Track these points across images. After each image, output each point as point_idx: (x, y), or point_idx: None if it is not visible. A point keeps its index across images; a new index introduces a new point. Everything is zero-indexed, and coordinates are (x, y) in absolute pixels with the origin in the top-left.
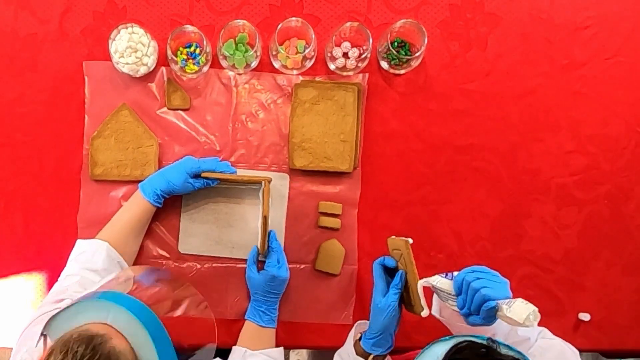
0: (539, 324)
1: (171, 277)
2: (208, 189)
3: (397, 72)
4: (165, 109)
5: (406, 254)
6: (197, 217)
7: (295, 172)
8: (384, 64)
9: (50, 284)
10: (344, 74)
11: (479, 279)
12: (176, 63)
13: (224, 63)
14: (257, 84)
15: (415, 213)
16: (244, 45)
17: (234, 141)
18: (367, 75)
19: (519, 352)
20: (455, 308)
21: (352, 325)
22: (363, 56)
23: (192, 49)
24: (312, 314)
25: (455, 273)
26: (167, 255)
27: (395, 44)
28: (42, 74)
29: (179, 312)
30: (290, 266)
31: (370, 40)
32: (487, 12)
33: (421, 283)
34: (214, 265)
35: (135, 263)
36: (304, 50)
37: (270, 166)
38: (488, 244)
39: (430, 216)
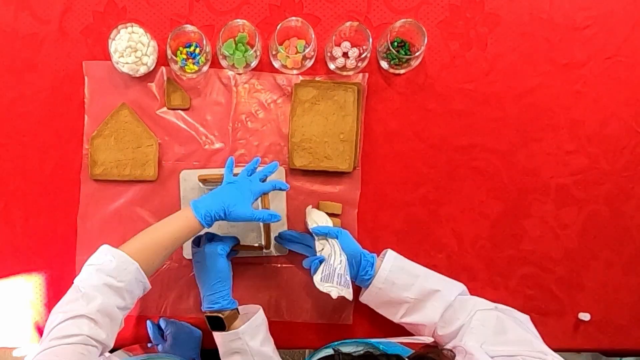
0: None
1: None
2: None
3: (397, 72)
4: (165, 108)
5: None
6: None
7: (295, 172)
8: (384, 64)
9: (50, 284)
10: (344, 73)
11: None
12: (176, 63)
13: (223, 63)
14: (257, 84)
15: (415, 213)
16: (244, 45)
17: (234, 141)
18: (367, 75)
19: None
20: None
21: (352, 325)
22: (363, 56)
23: (192, 48)
24: (312, 314)
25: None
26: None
27: (395, 43)
28: (42, 74)
29: None
30: (291, 266)
31: (370, 40)
32: (487, 12)
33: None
34: None
35: None
36: (304, 50)
37: None
38: (488, 244)
39: (430, 216)
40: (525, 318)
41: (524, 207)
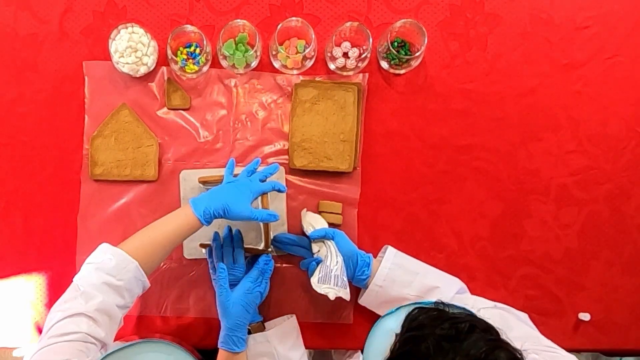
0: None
1: None
2: None
3: (397, 72)
4: (165, 108)
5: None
6: None
7: (295, 172)
8: (384, 64)
9: (51, 284)
10: (344, 73)
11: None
12: (176, 63)
13: (224, 63)
14: (257, 84)
15: (415, 213)
16: (244, 45)
17: (234, 141)
18: (367, 75)
19: (464, 308)
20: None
21: (352, 325)
22: (363, 56)
23: (192, 48)
24: (312, 314)
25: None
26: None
27: (395, 43)
28: (42, 74)
29: None
30: (291, 266)
31: (370, 40)
32: (487, 12)
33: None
34: None
35: None
36: (304, 50)
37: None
38: (488, 244)
39: (430, 216)
40: (524, 316)
41: (524, 207)
